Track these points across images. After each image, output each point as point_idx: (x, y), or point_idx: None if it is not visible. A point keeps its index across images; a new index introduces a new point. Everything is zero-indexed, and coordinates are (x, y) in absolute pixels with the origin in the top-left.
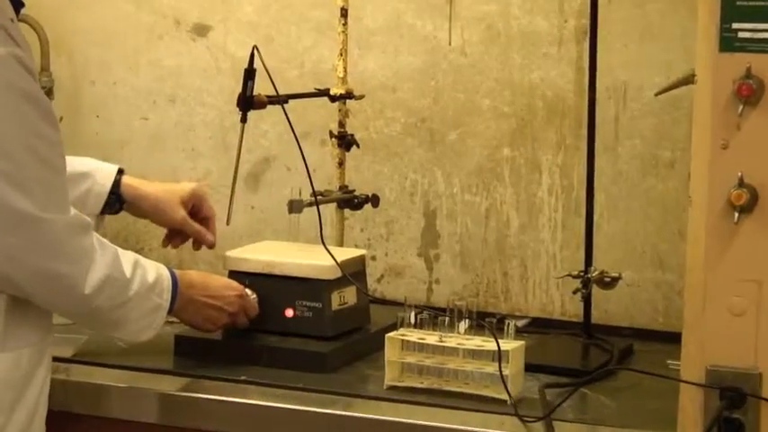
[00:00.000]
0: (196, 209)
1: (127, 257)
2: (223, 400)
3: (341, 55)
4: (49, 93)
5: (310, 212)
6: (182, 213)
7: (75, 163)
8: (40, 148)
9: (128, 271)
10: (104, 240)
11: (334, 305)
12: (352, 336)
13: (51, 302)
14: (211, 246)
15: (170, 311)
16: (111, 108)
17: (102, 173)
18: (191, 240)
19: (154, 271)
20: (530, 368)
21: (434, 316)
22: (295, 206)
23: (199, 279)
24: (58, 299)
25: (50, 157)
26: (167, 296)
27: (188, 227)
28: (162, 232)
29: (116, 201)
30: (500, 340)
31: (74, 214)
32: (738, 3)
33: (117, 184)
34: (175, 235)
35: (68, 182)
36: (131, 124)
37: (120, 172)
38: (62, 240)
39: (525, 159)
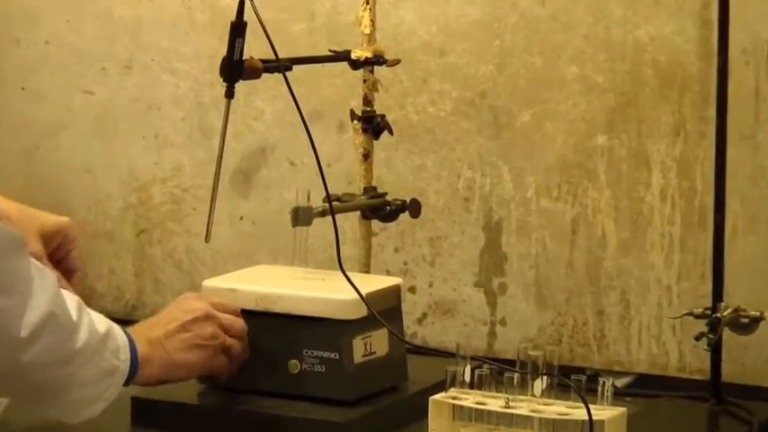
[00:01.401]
0: (59, 253)
1: (67, 294)
2: None
3: (367, 3)
4: None
5: (323, 225)
6: (39, 247)
7: None
8: None
9: (73, 312)
10: (40, 264)
11: (358, 356)
12: (382, 399)
13: None
14: None
15: (130, 379)
16: (42, 77)
17: None
18: (159, 264)
19: (103, 321)
20: None
21: (499, 371)
22: (302, 216)
23: (150, 320)
24: None
25: None
26: (125, 356)
27: None
28: (113, 258)
29: None
30: (592, 406)
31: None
32: None
33: None
34: None
35: None
36: (70, 100)
37: None
38: None
39: (628, 151)
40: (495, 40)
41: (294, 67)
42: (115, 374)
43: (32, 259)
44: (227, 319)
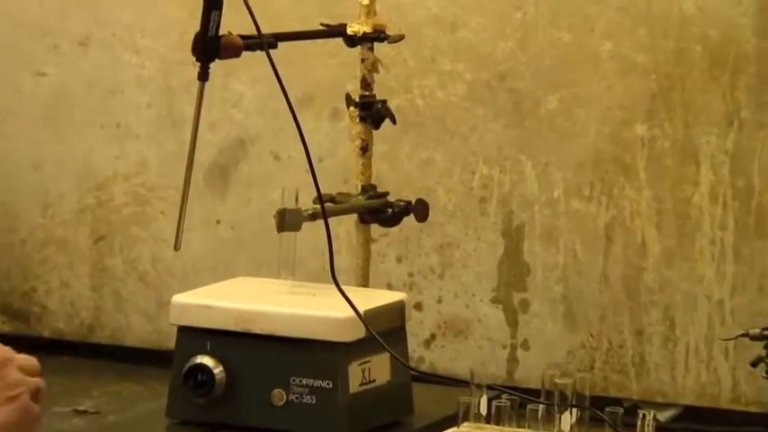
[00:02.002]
0: None
1: None
2: None
3: None
4: None
5: (314, 230)
6: None
7: None
8: None
9: None
10: None
11: (354, 385)
12: None
13: None
14: None
15: None
16: None
17: None
18: (121, 276)
19: None
20: None
21: (520, 403)
22: (289, 219)
23: None
24: None
25: None
26: None
27: None
28: (67, 270)
29: None
30: None
31: None
32: None
33: None
34: None
35: None
36: (19, 83)
37: None
38: None
39: (672, 142)
40: (515, 13)
41: (280, 45)
42: None
43: None
44: (23, 358)
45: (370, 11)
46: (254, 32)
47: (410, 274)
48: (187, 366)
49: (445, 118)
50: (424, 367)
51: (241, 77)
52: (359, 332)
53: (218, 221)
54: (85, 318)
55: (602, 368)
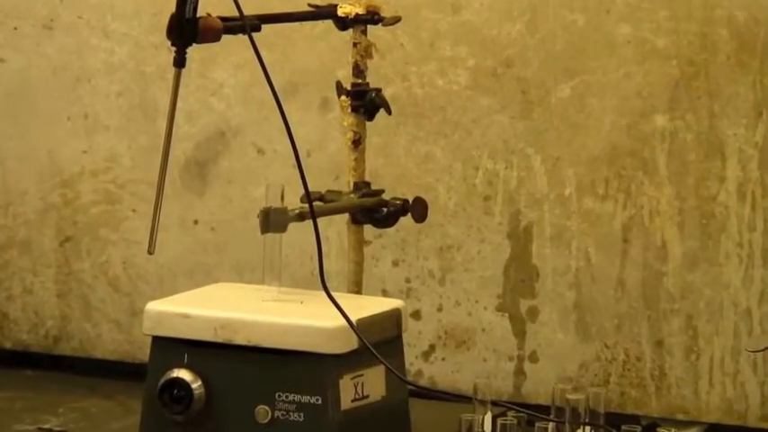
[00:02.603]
0: None
1: None
2: None
3: None
4: None
5: (301, 232)
6: None
7: None
8: None
9: None
10: None
11: (346, 401)
12: None
13: None
14: None
15: None
16: None
17: None
18: (89, 281)
19: None
20: None
21: (528, 420)
22: (273, 220)
23: None
24: None
25: None
26: None
27: None
28: (30, 274)
29: None
30: None
31: None
32: None
33: None
34: None
35: None
36: None
37: None
38: None
39: (696, 135)
40: None
41: (264, 27)
42: None
43: None
44: None
45: None
46: (236, 14)
47: (407, 280)
48: (162, 381)
49: (446, 108)
50: (423, 381)
51: (221, 64)
52: (351, 343)
53: (195, 221)
54: (51, 328)
55: (618, 382)
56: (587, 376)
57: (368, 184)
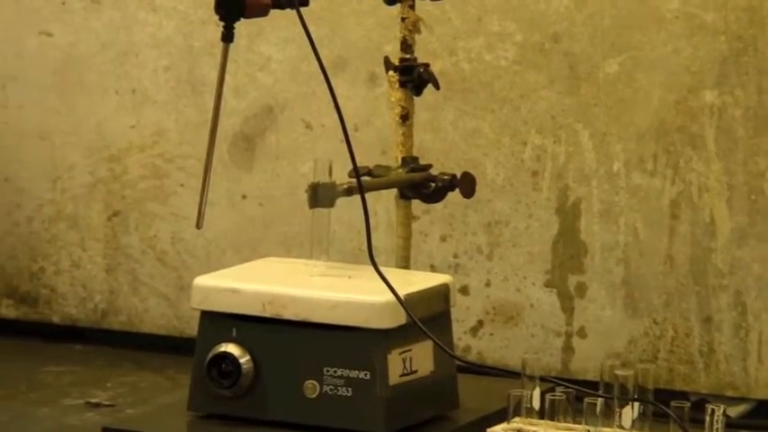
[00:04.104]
0: None
1: None
2: None
3: None
4: None
5: (349, 207)
6: None
7: None
8: None
9: None
10: None
11: (394, 376)
12: (424, 431)
13: None
14: None
15: None
16: None
17: None
18: (137, 256)
19: None
20: None
21: (577, 396)
22: (322, 195)
23: None
24: None
25: None
26: None
27: None
28: (78, 249)
29: None
30: None
31: None
32: None
33: None
34: None
35: None
36: (22, 44)
37: None
38: None
39: (744, 110)
40: None
41: (312, 2)
42: None
43: None
44: None
45: None
46: None
47: (455, 255)
48: (211, 355)
49: (493, 83)
50: (471, 357)
51: (269, 38)
52: (399, 318)
53: (243, 196)
54: (99, 302)
55: (666, 358)
56: (635, 352)
57: (416, 159)
